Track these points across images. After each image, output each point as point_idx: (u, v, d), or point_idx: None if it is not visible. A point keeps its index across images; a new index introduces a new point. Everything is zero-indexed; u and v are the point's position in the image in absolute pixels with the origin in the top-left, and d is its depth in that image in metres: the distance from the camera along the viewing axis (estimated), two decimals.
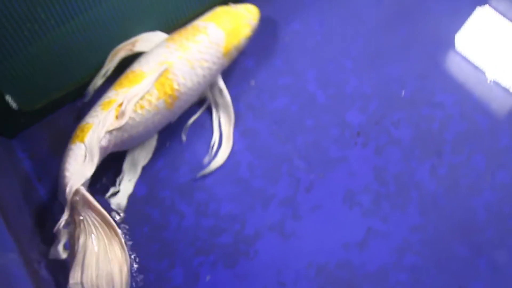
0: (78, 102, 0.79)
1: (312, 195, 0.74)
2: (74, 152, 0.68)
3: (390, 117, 0.78)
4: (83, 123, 0.70)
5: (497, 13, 0.83)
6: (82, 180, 0.66)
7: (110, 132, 0.69)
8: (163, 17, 0.78)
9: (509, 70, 0.79)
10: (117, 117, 0.70)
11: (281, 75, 0.82)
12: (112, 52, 0.77)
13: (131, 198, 0.76)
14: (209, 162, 0.77)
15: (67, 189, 0.66)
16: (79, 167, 0.67)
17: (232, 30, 0.76)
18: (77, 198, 0.66)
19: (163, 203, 0.75)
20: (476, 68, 0.80)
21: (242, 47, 0.78)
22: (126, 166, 0.76)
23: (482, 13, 0.84)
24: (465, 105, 0.78)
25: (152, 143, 0.77)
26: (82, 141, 0.69)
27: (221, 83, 0.78)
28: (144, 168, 0.77)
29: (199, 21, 0.77)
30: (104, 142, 0.69)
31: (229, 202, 0.75)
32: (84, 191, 0.66)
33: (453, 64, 0.80)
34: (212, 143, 0.78)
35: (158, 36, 0.78)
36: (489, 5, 0.83)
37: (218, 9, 0.78)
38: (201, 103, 0.80)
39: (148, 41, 0.77)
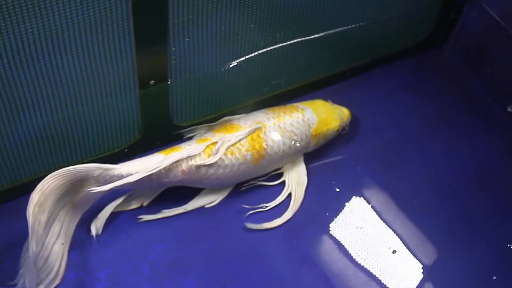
0: None
1: None
2: (150, 157, 0.76)
3: None
4: (176, 146, 0.78)
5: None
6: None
7: (198, 166, 0.76)
8: None
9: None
10: (209, 155, 0.77)
11: (71, 268, 0.76)
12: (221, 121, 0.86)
13: None
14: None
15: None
16: (137, 168, 0.74)
17: (325, 119, 0.87)
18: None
19: None
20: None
21: (328, 137, 0.89)
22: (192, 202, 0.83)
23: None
24: None
25: (225, 192, 0.83)
26: (165, 154, 0.76)
27: (303, 164, 0.86)
28: None
29: (299, 104, 0.87)
30: (185, 167, 0.76)
31: None
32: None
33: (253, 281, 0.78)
34: (267, 205, 0.84)
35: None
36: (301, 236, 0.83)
37: (318, 101, 0.89)
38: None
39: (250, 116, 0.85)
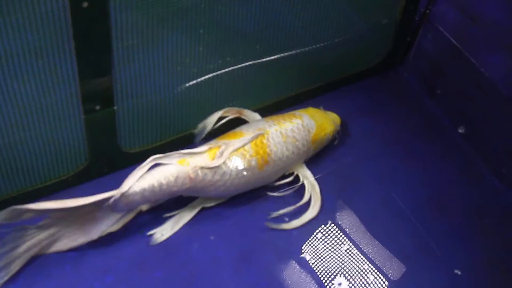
0: None
1: None
2: (159, 168, 0.77)
3: None
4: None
5: None
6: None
7: (202, 169, 0.78)
8: None
9: None
10: (213, 159, 0.79)
11: None
12: (222, 110, 0.89)
13: None
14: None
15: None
16: (149, 180, 0.76)
17: (321, 124, 0.89)
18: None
19: None
20: None
21: (325, 142, 0.91)
22: (189, 206, 0.83)
23: None
24: None
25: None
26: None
27: (307, 169, 0.88)
28: None
29: (296, 111, 0.90)
30: (192, 174, 0.77)
31: None
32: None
33: None
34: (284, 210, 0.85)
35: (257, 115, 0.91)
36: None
37: (310, 108, 0.91)
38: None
39: (250, 114, 0.91)
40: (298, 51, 0.93)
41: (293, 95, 0.98)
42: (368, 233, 0.86)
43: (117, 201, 0.74)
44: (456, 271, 0.82)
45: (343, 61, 1.00)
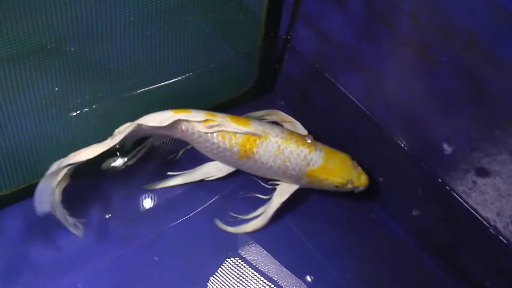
0: None
1: None
2: (162, 113, 0.88)
3: None
4: (186, 109, 0.89)
5: None
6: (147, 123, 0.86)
7: (192, 127, 0.88)
8: None
9: None
10: (204, 125, 0.87)
11: None
12: (268, 111, 1.00)
13: None
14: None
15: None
16: (152, 118, 0.87)
17: (330, 169, 0.89)
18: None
19: None
20: None
21: (326, 186, 0.90)
22: (194, 170, 0.94)
23: None
24: None
25: (223, 171, 0.93)
26: (174, 112, 0.88)
27: (288, 194, 0.90)
28: None
29: (320, 144, 0.90)
30: (184, 127, 0.88)
31: None
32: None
33: None
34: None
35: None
36: None
37: (342, 154, 0.90)
38: None
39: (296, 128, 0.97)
40: (165, 83, 0.94)
41: None
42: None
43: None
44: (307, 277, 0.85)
45: (213, 90, 1.02)
